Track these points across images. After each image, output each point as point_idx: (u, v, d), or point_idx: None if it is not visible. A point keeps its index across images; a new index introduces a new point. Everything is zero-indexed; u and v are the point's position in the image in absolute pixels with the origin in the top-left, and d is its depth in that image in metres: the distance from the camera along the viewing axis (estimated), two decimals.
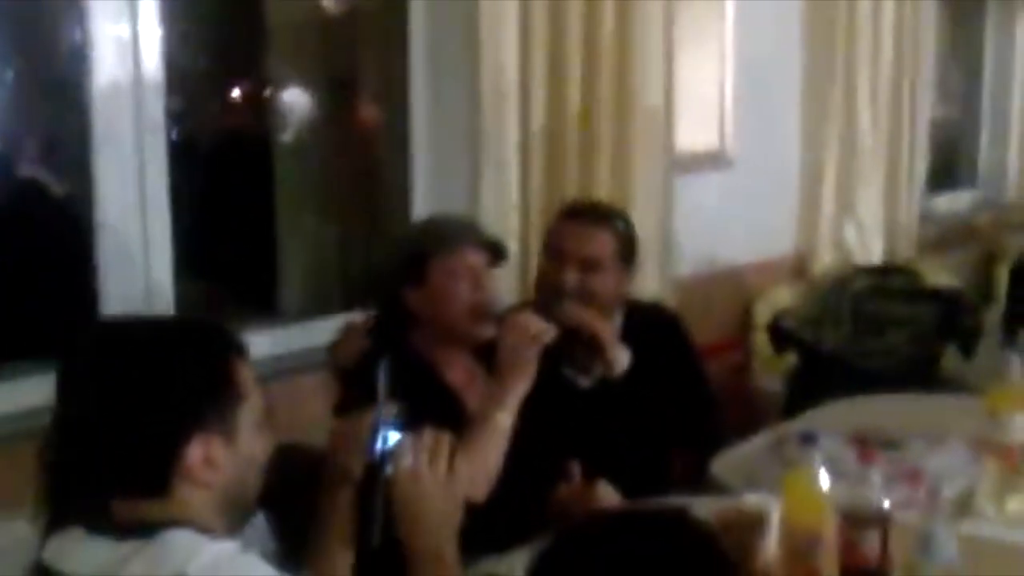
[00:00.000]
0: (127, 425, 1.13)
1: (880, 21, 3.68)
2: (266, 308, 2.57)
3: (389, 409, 1.32)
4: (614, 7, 2.65)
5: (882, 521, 1.50)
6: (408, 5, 2.57)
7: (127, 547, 1.11)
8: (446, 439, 1.34)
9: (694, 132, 3.12)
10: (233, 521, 1.21)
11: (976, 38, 4.73)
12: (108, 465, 1.15)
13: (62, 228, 2.24)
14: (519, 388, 1.75)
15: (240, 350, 1.20)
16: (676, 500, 1.75)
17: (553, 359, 1.89)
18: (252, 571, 1.12)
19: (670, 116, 2.86)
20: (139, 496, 1.14)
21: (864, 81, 3.66)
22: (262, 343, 2.19)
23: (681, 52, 2.91)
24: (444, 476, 1.31)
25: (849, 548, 1.48)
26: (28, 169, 2.22)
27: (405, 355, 1.82)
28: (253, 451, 1.20)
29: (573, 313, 1.99)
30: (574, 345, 1.99)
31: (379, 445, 1.31)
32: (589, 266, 2.08)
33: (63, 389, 1.18)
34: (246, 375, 1.19)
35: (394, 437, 1.31)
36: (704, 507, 1.61)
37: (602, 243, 2.12)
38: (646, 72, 2.75)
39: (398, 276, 1.87)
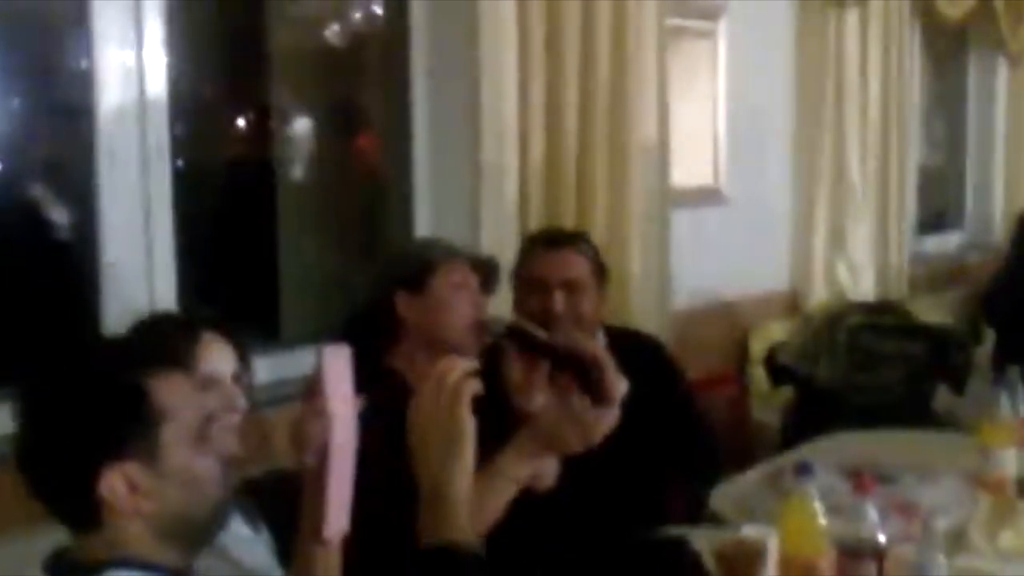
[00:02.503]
0: (42, 463, 1.09)
1: (868, 71, 3.74)
2: (268, 333, 2.52)
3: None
4: (609, 48, 2.65)
5: (878, 553, 1.46)
6: (409, 36, 2.56)
7: None
8: (459, 366, 1.22)
9: (690, 169, 3.11)
10: (187, 545, 1.13)
11: (959, 90, 4.81)
12: (42, 502, 1.10)
13: (65, 250, 2.21)
14: (538, 459, 1.66)
15: (164, 364, 1.12)
16: (675, 532, 1.70)
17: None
18: None
19: (665, 153, 2.86)
20: (75, 532, 1.09)
21: (853, 126, 3.70)
22: (265, 368, 2.14)
23: (676, 93, 2.92)
24: (447, 406, 1.18)
25: None
26: (33, 192, 2.19)
27: (377, 366, 1.76)
28: (189, 468, 1.10)
29: (574, 339, 1.94)
30: (579, 374, 1.92)
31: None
32: (573, 289, 2.06)
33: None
34: (170, 391, 1.10)
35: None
36: (703, 539, 1.56)
37: (580, 265, 2.11)
38: (641, 111, 2.75)
39: (395, 280, 1.81)
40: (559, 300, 2.04)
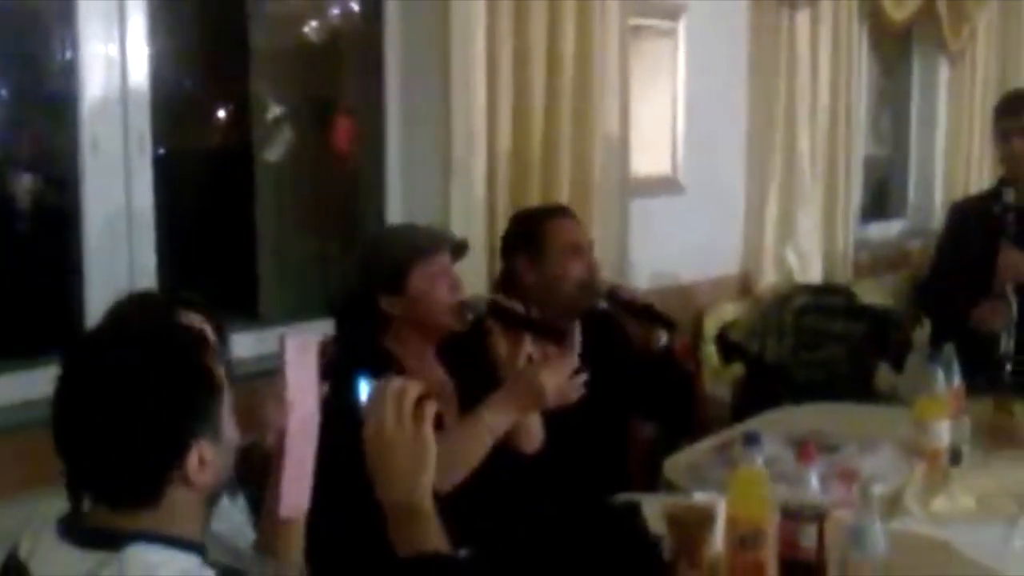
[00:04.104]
0: (126, 442, 1.04)
1: (818, 69, 3.76)
2: (248, 312, 2.51)
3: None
4: (574, 45, 2.66)
5: (819, 517, 1.49)
6: (384, 32, 2.55)
7: (91, 560, 1.03)
8: (413, 388, 1.21)
9: (648, 159, 3.12)
10: (210, 509, 1.15)
11: (904, 86, 4.86)
12: (102, 477, 1.06)
13: (49, 234, 2.18)
14: (517, 412, 1.70)
15: (208, 341, 1.13)
16: (630, 497, 1.72)
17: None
18: None
19: (626, 145, 2.87)
20: (126, 507, 1.06)
21: (804, 120, 3.72)
22: (244, 344, 2.14)
23: (637, 87, 2.92)
24: (411, 426, 1.19)
25: (789, 542, 1.47)
26: (17, 179, 2.16)
27: (377, 353, 1.77)
28: (233, 439, 1.12)
29: (628, 290, 2.04)
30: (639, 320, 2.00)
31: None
32: (591, 250, 2.16)
33: (58, 401, 1.09)
34: (218, 365, 1.11)
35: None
36: (656, 504, 1.59)
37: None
38: (604, 104, 2.75)
39: (375, 285, 1.82)
40: (593, 262, 2.12)
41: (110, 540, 1.04)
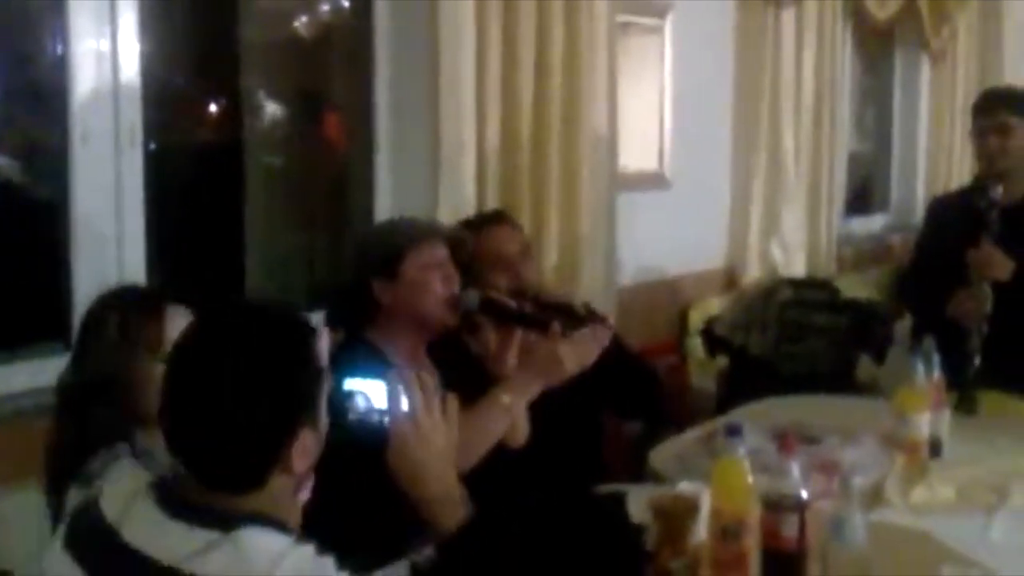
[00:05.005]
0: (237, 427, 1.02)
1: (802, 66, 3.76)
2: None
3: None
4: (563, 42, 2.64)
5: (800, 508, 1.48)
6: (373, 27, 2.53)
7: (201, 538, 1.00)
8: (433, 381, 1.23)
9: (635, 155, 3.12)
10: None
11: (886, 84, 4.87)
12: (213, 460, 1.03)
13: (39, 228, 2.16)
14: (539, 384, 1.69)
15: (316, 330, 1.11)
16: (616, 489, 1.72)
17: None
18: (327, 573, 1.02)
19: (614, 140, 2.86)
20: (232, 491, 1.04)
21: (788, 117, 3.73)
22: None
23: (624, 83, 2.91)
24: (440, 418, 1.20)
25: (771, 532, 1.46)
26: (8, 172, 2.13)
27: (360, 344, 1.75)
28: (325, 430, 1.11)
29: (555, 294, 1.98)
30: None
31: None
32: (524, 257, 2.09)
33: (173, 382, 1.06)
34: (322, 355, 1.10)
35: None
36: (642, 494, 1.58)
37: (520, 236, 2.14)
38: (592, 101, 2.74)
39: (368, 269, 1.79)
40: (525, 271, 2.03)
41: (221, 520, 1.01)
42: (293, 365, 1.06)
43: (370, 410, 1.24)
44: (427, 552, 1.18)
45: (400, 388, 1.21)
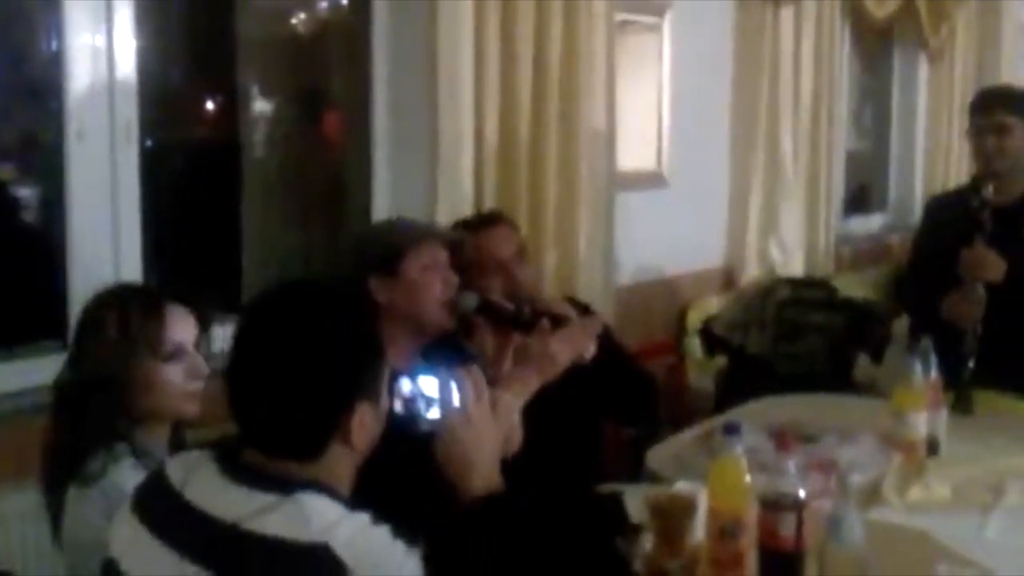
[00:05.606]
0: (299, 396, 1.05)
1: (801, 65, 3.76)
2: (230, 303, 2.48)
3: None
4: (561, 40, 2.64)
5: (798, 507, 1.48)
6: (372, 24, 2.52)
7: (260, 499, 1.02)
8: (482, 376, 1.24)
9: (634, 154, 3.11)
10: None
11: (885, 83, 4.87)
12: (273, 428, 1.06)
13: (34, 224, 2.15)
14: (537, 381, 1.67)
15: (377, 309, 1.15)
16: (614, 488, 1.71)
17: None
18: (383, 543, 1.03)
19: (612, 139, 2.85)
20: (291, 459, 1.06)
21: (787, 116, 3.73)
22: (228, 334, 2.11)
23: (622, 81, 2.91)
24: (490, 414, 1.23)
25: (768, 531, 1.46)
26: (3, 168, 2.13)
27: None
28: (385, 409, 1.13)
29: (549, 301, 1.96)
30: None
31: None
32: (520, 259, 2.07)
33: (238, 350, 1.09)
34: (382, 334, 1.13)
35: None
36: (639, 494, 1.57)
37: (516, 237, 2.12)
38: (590, 99, 2.74)
39: (367, 267, 1.78)
40: (520, 274, 2.01)
41: (280, 484, 1.03)
42: (356, 340, 1.09)
43: (418, 400, 1.24)
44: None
45: (453, 382, 1.23)
